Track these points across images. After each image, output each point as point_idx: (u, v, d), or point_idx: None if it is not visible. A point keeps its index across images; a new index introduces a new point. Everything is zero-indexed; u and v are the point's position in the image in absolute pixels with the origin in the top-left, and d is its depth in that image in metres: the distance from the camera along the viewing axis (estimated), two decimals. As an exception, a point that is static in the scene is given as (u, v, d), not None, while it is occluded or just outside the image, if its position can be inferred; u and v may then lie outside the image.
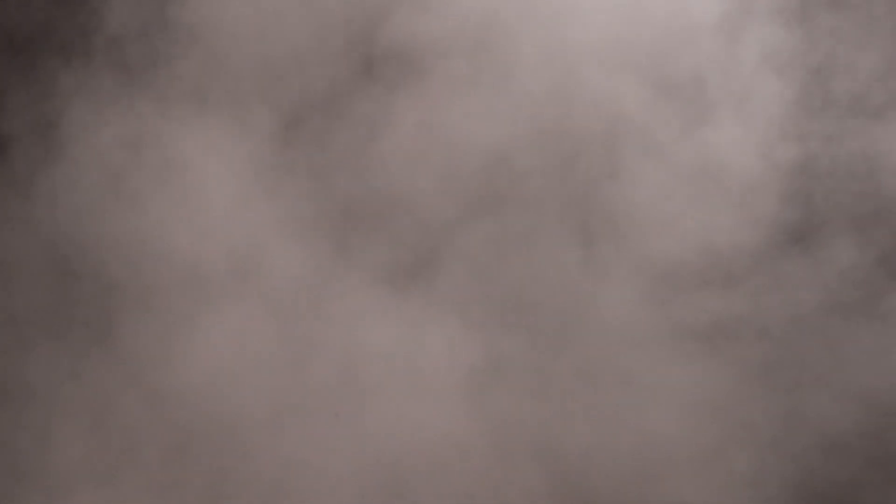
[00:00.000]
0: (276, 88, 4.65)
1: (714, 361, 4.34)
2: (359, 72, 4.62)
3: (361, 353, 4.43)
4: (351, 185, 4.56)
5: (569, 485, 4.31)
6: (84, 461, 4.44)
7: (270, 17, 4.63)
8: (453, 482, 4.30)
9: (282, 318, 4.49)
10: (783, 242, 4.40)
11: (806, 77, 4.46)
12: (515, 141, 4.52)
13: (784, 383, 4.32)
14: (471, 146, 4.51)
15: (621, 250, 4.44)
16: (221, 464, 4.41)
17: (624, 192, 4.47)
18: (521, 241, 4.48)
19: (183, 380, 4.44)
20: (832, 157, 4.43)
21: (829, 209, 4.41)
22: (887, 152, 4.40)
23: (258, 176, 4.61)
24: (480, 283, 4.47)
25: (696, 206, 4.43)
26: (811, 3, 4.47)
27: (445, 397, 4.36)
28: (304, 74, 4.64)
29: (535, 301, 4.44)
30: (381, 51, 4.61)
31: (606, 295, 4.41)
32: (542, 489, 4.31)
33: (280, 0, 4.62)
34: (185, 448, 4.42)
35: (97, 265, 4.56)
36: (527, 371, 4.38)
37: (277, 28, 4.63)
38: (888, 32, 4.42)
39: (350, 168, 4.56)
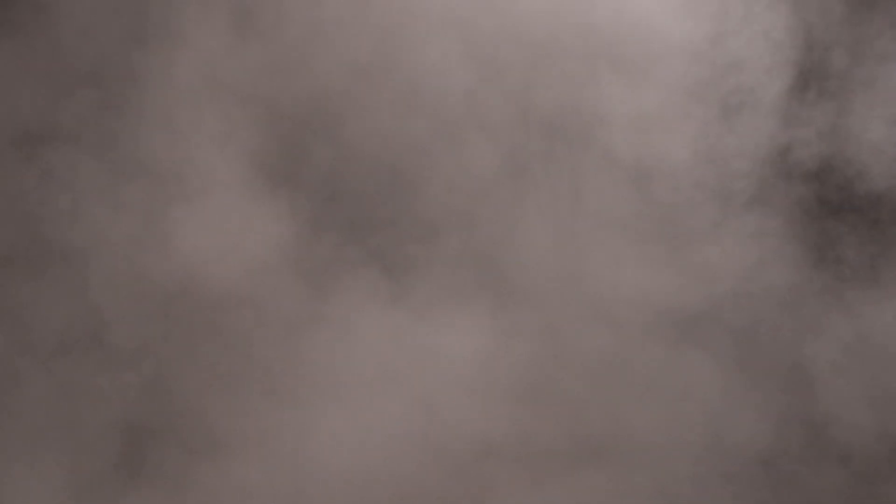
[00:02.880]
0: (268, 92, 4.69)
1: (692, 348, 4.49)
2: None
3: (366, 346, 4.49)
4: (356, 182, 4.64)
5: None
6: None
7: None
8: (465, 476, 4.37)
9: (288, 315, 4.53)
10: (755, 231, 4.55)
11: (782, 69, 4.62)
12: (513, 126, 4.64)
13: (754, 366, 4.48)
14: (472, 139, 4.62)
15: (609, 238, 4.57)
16: (227, 464, 4.42)
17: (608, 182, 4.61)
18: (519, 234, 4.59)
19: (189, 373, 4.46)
20: (809, 148, 4.56)
21: (803, 202, 4.55)
22: (859, 146, 4.55)
23: (257, 176, 4.64)
24: (481, 273, 4.55)
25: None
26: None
27: (451, 388, 4.42)
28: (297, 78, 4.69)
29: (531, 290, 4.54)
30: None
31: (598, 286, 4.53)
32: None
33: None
34: (194, 448, 4.44)
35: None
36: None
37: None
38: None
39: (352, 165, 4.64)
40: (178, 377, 4.45)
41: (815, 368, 4.43)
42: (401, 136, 4.61)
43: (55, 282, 4.52)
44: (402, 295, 4.52)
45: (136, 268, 4.52)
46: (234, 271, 4.53)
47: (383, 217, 4.58)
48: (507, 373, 4.42)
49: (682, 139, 4.58)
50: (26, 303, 4.49)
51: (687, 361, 4.45)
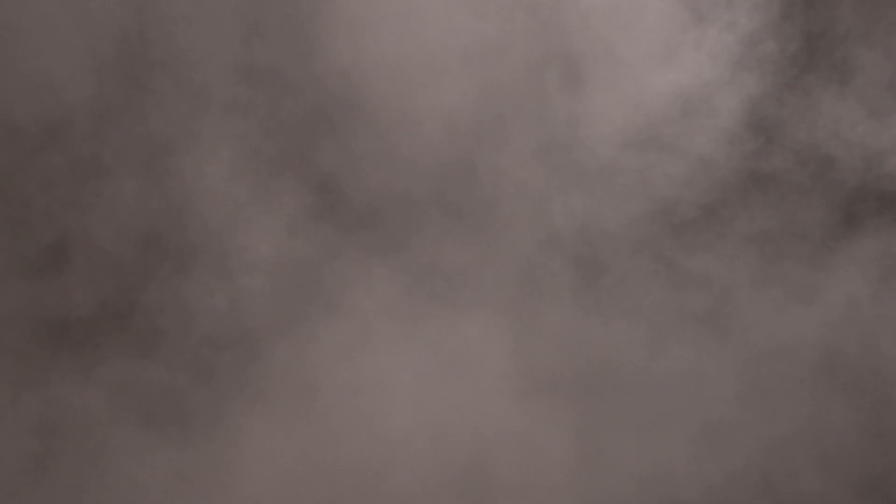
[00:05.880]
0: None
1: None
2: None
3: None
4: (368, 183, 4.68)
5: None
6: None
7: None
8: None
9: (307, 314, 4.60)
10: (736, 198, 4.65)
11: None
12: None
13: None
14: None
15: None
16: (240, 460, 4.47)
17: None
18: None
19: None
20: (784, 118, 4.66)
21: (780, 167, 4.65)
22: (836, 138, 4.65)
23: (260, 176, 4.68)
24: (498, 268, 4.60)
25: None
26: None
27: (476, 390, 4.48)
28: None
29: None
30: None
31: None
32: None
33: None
34: (205, 447, 4.50)
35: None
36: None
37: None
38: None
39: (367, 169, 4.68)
40: (190, 377, 4.51)
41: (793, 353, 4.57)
42: (411, 134, 4.66)
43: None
44: (416, 290, 4.56)
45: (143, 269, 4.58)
46: (241, 269, 4.57)
47: (395, 213, 4.61)
48: (526, 368, 4.48)
49: (673, 133, 4.68)
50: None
51: (709, 360, 4.55)
